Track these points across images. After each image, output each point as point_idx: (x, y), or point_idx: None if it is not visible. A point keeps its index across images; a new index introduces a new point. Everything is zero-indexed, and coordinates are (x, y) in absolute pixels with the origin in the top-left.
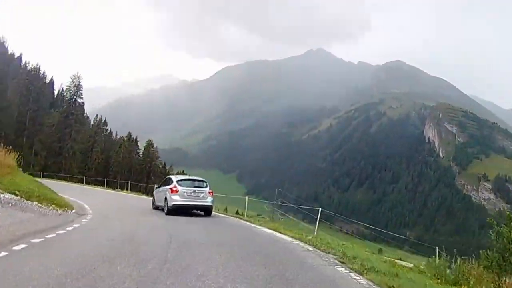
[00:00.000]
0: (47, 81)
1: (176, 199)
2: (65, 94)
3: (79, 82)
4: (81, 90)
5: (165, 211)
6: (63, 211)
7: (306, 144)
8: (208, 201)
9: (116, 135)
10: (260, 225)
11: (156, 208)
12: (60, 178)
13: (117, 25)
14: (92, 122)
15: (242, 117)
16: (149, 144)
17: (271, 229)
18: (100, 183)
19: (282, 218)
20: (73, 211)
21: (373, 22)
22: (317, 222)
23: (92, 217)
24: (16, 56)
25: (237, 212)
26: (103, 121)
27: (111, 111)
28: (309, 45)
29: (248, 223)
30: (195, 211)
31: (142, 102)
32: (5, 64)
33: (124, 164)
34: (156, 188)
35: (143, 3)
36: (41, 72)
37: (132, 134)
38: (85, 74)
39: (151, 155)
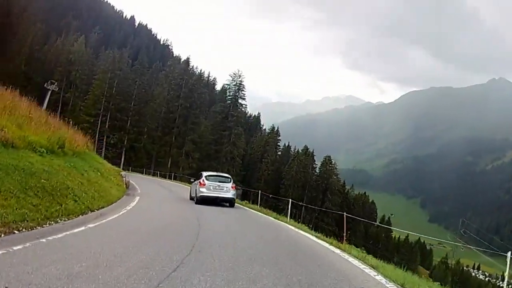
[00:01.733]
0: (216, 85)
1: (203, 191)
2: (225, 93)
3: (240, 81)
4: (243, 90)
5: (195, 200)
6: None
7: (490, 174)
8: (230, 194)
9: (295, 149)
10: None
11: (192, 199)
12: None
13: (303, 42)
14: (267, 133)
15: (425, 143)
16: (327, 160)
17: None
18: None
19: (463, 249)
20: None
21: None
22: None
23: None
24: (182, 60)
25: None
26: (275, 130)
27: (295, 128)
28: (491, 74)
29: None
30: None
31: (326, 121)
32: (169, 63)
33: (298, 179)
34: (192, 182)
35: (327, 23)
36: (194, 68)
37: (309, 148)
38: (273, 90)
39: (329, 171)
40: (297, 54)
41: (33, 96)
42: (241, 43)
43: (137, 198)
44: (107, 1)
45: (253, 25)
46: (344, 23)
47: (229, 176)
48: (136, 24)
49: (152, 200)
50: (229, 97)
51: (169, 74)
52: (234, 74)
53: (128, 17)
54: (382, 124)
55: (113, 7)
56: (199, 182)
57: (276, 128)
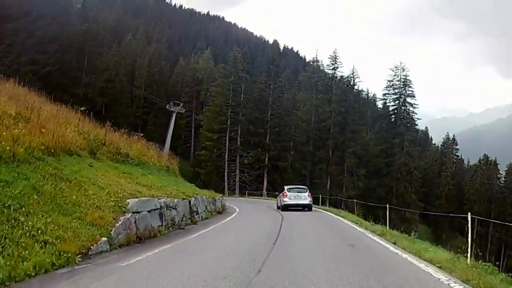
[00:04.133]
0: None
1: (286, 201)
2: (387, 92)
3: (405, 75)
4: (410, 86)
5: (280, 208)
6: None
7: None
8: (307, 201)
9: (468, 162)
10: None
11: (278, 208)
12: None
13: (452, 55)
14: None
15: None
16: None
17: None
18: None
19: None
20: None
21: None
22: None
23: None
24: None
25: None
26: (450, 140)
27: (461, 142)
28: None
29: None
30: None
31: (491, 132)
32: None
33: (482, 192)
34: (277, 195)
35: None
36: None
37: (490, 157)
38: (436, 106)
39: None
40: (450, 68)
41: (158, 122)
42: (393, 61)
43: None
44: (245, 28)
45: (401, 42)
46: (491, 31)
47: (305, 187)
48: (281, 47)
49: None
50: (394, 96)
51: (313, 75)
52: (396, 68)
53: (271, 41)
54: None
55: (252, 33)
56: (282, 194)
57: (452, 137)
